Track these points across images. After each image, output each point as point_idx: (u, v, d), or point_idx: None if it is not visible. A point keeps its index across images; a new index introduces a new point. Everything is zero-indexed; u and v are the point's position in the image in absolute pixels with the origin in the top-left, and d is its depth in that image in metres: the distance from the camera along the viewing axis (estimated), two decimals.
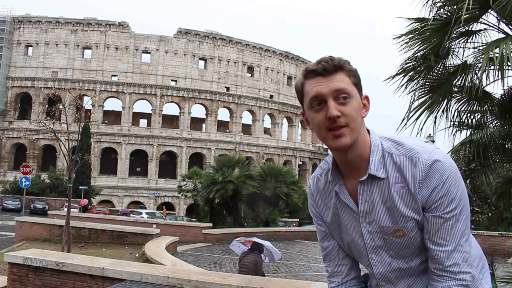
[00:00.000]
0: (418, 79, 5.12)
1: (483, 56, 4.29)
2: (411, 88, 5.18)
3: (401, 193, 1.38)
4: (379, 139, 1.44)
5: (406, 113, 5.10)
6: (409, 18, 5.09)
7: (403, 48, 5.08)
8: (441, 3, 5.03)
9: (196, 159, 60.78)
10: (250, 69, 69.06)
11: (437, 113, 5.14)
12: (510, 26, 4.67)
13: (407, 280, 1.49)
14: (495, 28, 4.80)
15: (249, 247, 8.73)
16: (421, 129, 5.07)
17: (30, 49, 62.01)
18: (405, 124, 5.04)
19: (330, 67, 1.34)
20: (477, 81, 4.71)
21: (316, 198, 1.60)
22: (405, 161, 1.38)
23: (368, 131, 1.45)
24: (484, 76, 4.60)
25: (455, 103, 5.37)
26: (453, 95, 5.24)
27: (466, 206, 1.38)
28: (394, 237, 1.43)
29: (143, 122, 65.58)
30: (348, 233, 1.52)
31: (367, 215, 1.45)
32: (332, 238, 1.61)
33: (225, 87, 66.25)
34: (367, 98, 1.40)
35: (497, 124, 5.75)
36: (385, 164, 1.40)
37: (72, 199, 18.00)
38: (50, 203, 43.79)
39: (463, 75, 4.89)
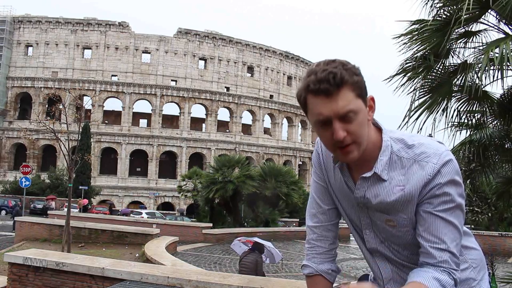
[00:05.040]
0: (418, 79, 5.12)
1: (483, 56, 4.29)
2: (410, 88, 5.19)
3: (399, 194, 1.40)
4: (389, 140, 1.43)
5: (407, 112, 5.10)
6: (409, 21, 5.08)
7: (403, 48, 5.08)
8: (441, 4, 5.03)
9: (196, 159, 60.78)
10: (250, 69, 69.04)
11: (437, 113, 5.15)
12: (510, 26, 4.67)
13: (399, 264, 1.53)
14: (495, 28, 4.80)
15: (250, 247, 8.73)
16: (421, 129, 5.07)
17: (30, 49, 61.99)
18: (406, 123, 5.05)
19: (333, 87, 1.27)
20: (477, 81, 4.72)
21: (321, 159, 1.59)
22: (414, 165, 1.38)
23: (381, 129, 1.44)
24: (484, 76, 4.60)
25: (455, 102, 5.37)
26: (453, 95, 5.24)
27: (462, 212, 1.39)
28: (386, 225, 1.46)
29: (143, 122, 65.56)
30: (347, 205, 1.56)
31: (362, 202, 1.48)
32: (331, 198, 1.60)
33: (225, 87, 66.23)
34: (372, 99, 1.37)
35: (497, 124, 5.75)
36: (391, 167, 1.41)
37: (72, 199, 18.00)
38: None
39: (463, 74, 4.89)
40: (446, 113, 5.19)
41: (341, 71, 1.27)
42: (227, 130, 67.51)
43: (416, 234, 1.41)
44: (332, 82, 1.26)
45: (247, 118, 69.75)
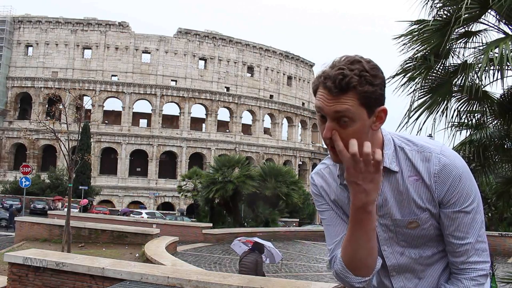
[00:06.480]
0: (418, 79, 5.12)
1: (483, 56, 4.29)
2: (410, 88, 5.19)
3: (416, 185, 1.40)
4: (389, 134, 1.45)
5: (406, 113, 5.10)
6: (410, 21, 5.08)
7: (403, 49, 5.08)
8: (441, 4, 5.03)
9: (196, 159, 60.77)
10: (250, 69, 69.04)
11: (437, 113, 5.15)
12: (510, 26, 4.68)
13: (418, 270, 1.51)
14: (495, 28, 4.80)
15: (250, 247, 8.74)
16: (421, 129, 5.08)
17: (30, 49, 61.97)
18: (406, 124, 5.05)
19: (336, 89, 1.25)
20: (477, 81, 4.72)
21: (320, 189, 1.56)
22: (417, 156, 1.40)
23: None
24: (484, 76, 4.60)
25: (455, 102, 5.37)
26: (453, 95, 5.25)
27: (480, 198, 1.42)
28: (407, 229, 1.45)
29: (143, 122, 65.55)
30: None
31: (380, 209, 1.44)
32: (344, 221, 1.52)
33: (225, 87, 66.23)
34: (384, 111, 1.32)
35: (497, 124, 5.75)
36: (398, 158, 1.42)
37: (72, 199, 18.01)
38: (50, 203, 43.74)
39: (463, 74, 4.89)
40: (446, 113, 5.19)
41: (353, 76, 1.23)
42: (227, 130, 67.51)
43: (445, 236, 1.43)
44: (337, 84, 1.24)
45: (247, 118, 69.82)
